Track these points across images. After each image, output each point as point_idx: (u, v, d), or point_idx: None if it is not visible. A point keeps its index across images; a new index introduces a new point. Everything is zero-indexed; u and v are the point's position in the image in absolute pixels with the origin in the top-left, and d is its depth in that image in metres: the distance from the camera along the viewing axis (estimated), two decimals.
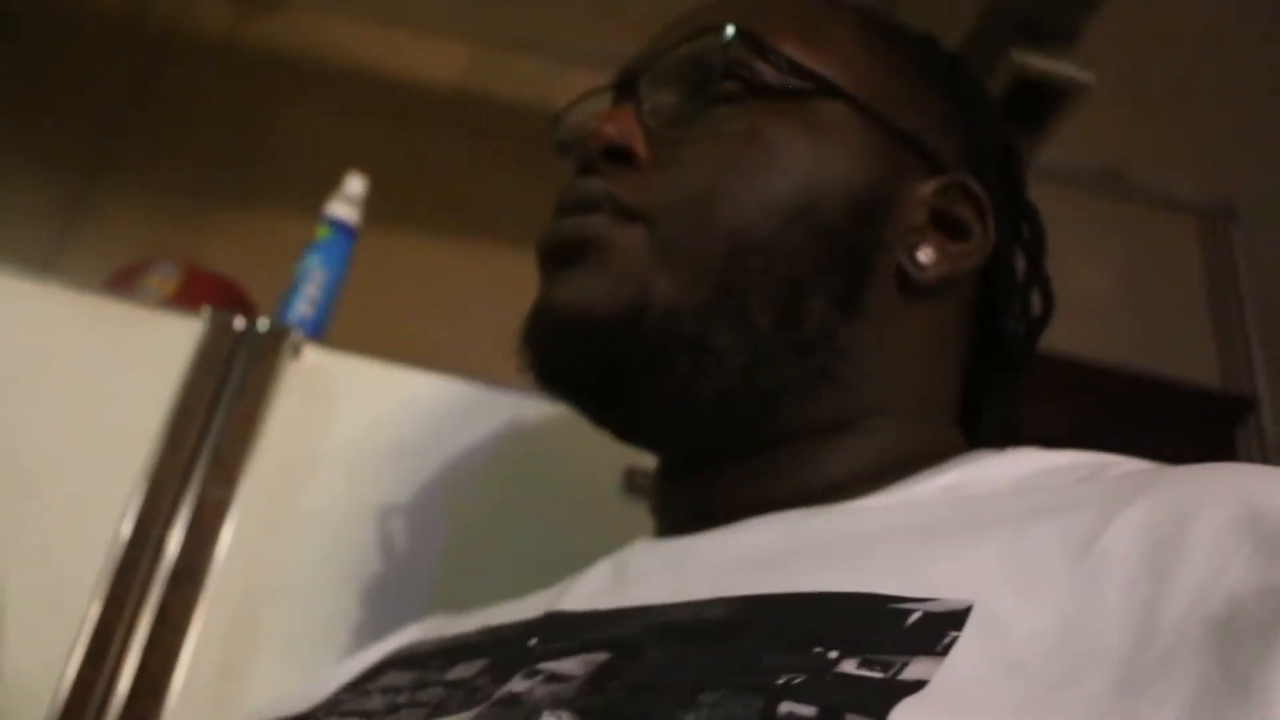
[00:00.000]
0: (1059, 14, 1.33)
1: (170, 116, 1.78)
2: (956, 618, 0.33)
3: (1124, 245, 1.93)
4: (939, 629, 0.32)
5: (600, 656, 0.38)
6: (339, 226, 1.00)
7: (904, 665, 0.31)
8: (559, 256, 0.49)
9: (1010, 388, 0.56)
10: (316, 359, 0.84)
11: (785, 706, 0.30)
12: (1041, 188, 1.83)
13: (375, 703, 0.48)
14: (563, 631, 0.42)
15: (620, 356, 0.47)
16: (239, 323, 0.83)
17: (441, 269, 1.67)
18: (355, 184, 1.04)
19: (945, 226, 0.50)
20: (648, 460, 0.55)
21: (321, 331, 0.92)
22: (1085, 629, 0.31)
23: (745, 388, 0.47)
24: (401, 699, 0.46)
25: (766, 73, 0.48)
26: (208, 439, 0.79)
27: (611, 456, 0.69)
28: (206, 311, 0.83)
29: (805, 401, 0.48)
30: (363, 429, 0.82)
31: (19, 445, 0.77)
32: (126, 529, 0.74)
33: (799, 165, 0.48)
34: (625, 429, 0.53)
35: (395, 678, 0.50)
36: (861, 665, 0.32)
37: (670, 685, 0.34)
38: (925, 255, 0.48)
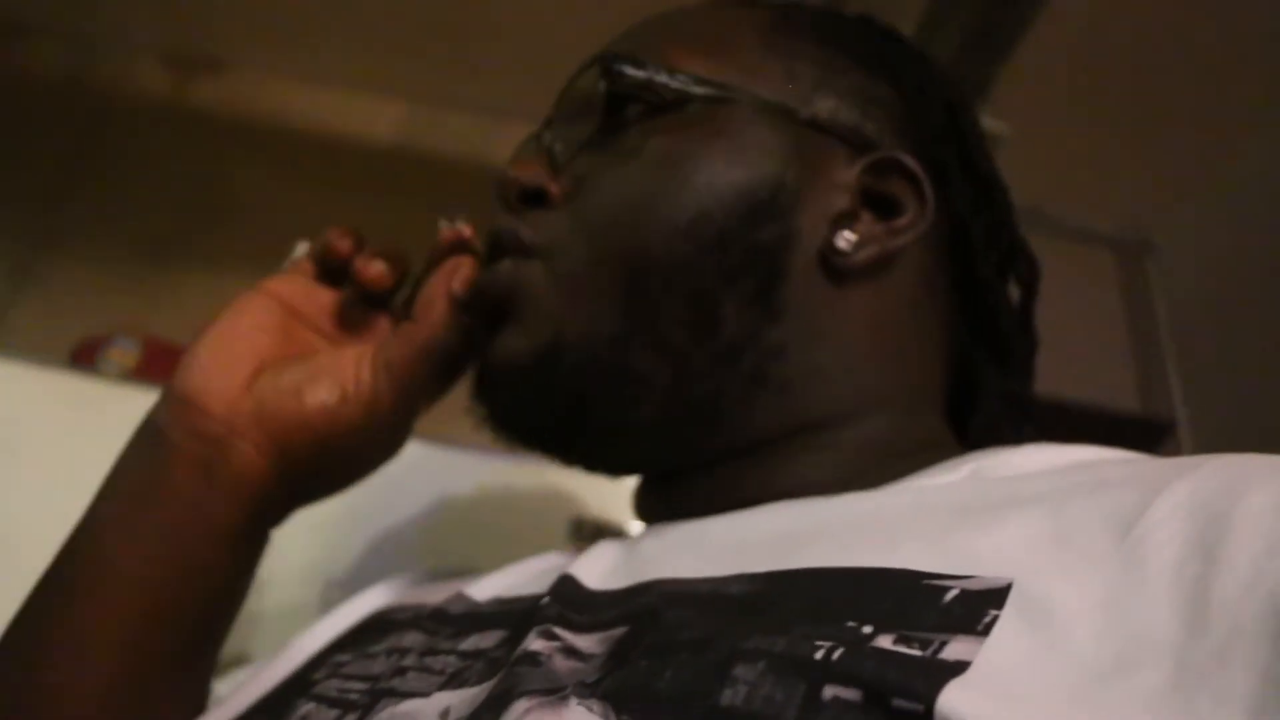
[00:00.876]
0: (968, 67, 1.40)
1: (114, 181, 1.78)
2: (996, 596, 0.31)
3: (1044, 279, 1.99)
4: (978, 607, 0.31)
5: (618, 631, 0.37)
6: None
7: (943, 644, 0.30)
8: (485, 314, 0.50)
9: (1007, 371, 0.54)
10: None
11: (829, 691, 0.29)
12: None
13: (380, 665, 0.46)
14: (578, 604, 0.41)
15: (552, 398, 0.48)
16: None
17: None
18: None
19: (879, 206, 0.48)
20: (593, 510, 0.58)
21: None
22: (1132, 612, 0.29)
23: (681, 405, 0.47)
24: (409, 661, 0.45)
25: (660, 90, 0.48)
26: None
27: (558, 507, 0.71)
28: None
29: (750, 408, 0.47)
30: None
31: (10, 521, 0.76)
32: None
33: (690, 177, 0.47)
34: (589, 464, 0.53)
35: (399, 639, 0.49)
36: (898, 641, 0.30)
37: (698, 651, 0.33)
38: (844, 241, 0.46)
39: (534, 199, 0.50)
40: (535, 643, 0.37)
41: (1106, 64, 1.75)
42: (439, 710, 0.38)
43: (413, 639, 0.48)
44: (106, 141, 1.83)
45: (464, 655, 0.43)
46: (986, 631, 0.30)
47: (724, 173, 0.47)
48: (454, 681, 0.40)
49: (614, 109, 0.49)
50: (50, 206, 1.76)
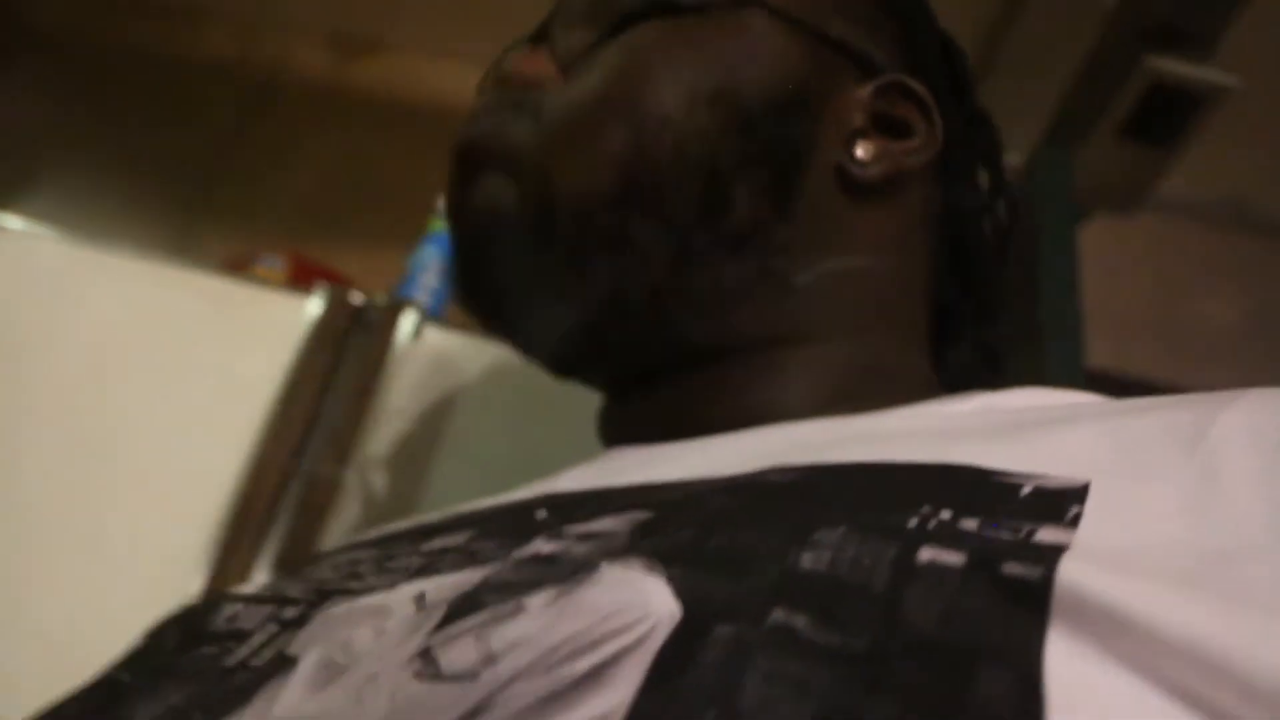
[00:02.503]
0: (1194, 18, 1.27)
1: (271, 159, 1.79)
2: (1076, 493, 0.28)
3: (1247, 277, 1.83)
4: (1058, 502, 0.27)
5: (641, 514, 0.31)
6: None
7: (1032, 531, 0.26)
8: (466, 163, 0.47)
9: (982, 311, 0.52)
10: (437, 339, 0.79)
11: (926, 552, 0.25)
12: (1161, 221, 1.75)
13: (328, 573, 0.40)
14: (576, 502, 0.36)
15: (540, 259, 0.44)
16: (356, 298, 0.78)
17: None
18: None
19: (887, 129, 0.47)
20: None
21: (440, 317, 0.88)
22: (1218, 519, 0.26)
23: (677, 287, 0.43)
24: (364, 568, 0.38)
25: None
26: (321, 416, 0.74)
27: None
28: (322, 288, 0.78)
29: (747, 304, 0.44)
30: (483, 412, 0.77)
31: (129, 421, 0.73)
32: (231, 507, 0.70)
33: (713, 55, 0.45)
34: (561, 351, 0.49)
35: (346, 556, 0.42)
36: (983, 527, 0.26)
37: (761, 526, 0.28)
38: (864, 151, 0.45)
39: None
40: (543, 545, 0.32)
41: None
42: (411, 596, 0.31)
43: (366, 554, 0.41)
44: (266, 120, 1.84)
45: (427, 554, 0.36)
46: (1074, 524, 0.26)
47: (747, 62, 0.45)
48: (423, 573, 0.34)
49: (628, 11, 0.46)
50: (210, 183, 1.77)
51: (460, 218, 0.48)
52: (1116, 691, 0.23)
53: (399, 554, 0.38)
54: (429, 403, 0.76)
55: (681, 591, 0.26)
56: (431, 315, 0.83)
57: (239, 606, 0.39)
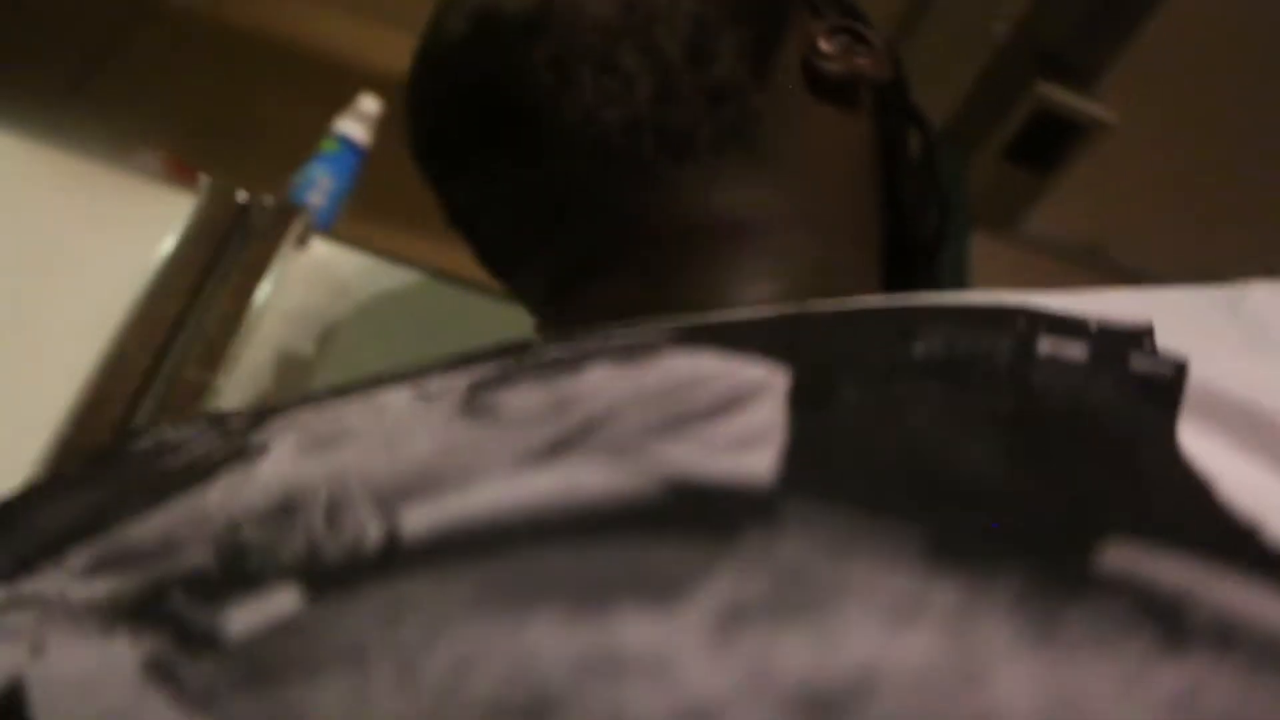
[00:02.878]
0: (1083, 49, 1.32)
1: (139, 80, 1.69)
2: (1143, 330, 0.27)
3: None
4: (1130, 337, 0.27)
5: (676, 324, 0.29)
6: (347, 142, 0.92)
7: (1125, 355, 0.26)
8: None
9: (922, 274, 0.54)
10: (325, 251, 0.74)
11: (1046, 343, 0.25)
12: (1024, 254, 1.80)
13: (260, 407, 0.35)
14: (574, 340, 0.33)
15: (520, 64, 0.43)
16: (242, 195, 0.73)
17: None
18: (368, 103, 0.97)
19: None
20: None
21: (329, 228, 0.83)
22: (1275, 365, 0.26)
23: (654, 122, 0.43)
24: (289, 404, 0.34)
25: None
26: (191, 316, 0.68)
27: None
28: (205, 181, 0.73)
29: (716, 162, 0.43)
30: (367, 330, 0.73)
31: None
32: (82, 403, 0.64)
33: None
34: (499, 193, 0.46)
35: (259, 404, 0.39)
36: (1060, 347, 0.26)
37: (853, 325, 0.27)
38: (828, 44, 0.47)
39: None
40: (557, 351, 0.29)
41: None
42: (407, 396, 0.29)
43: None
44: (133, 47, 1.74)
45: (400, 377, 0.33)
46: (1155, 353, 0.26)
47: None
48: (406, 382, 0.32)
49: None
50: (72, 97, 1.65)
51: (441, 27, 0.46)
52: (1252, 481, 0.22)
53: (349, 391, 0.34)
54: (310, 314, 0.71)
55: (784, 362, 0.24)
56: (321, 225, 0.78)
57: (162, 433, 0.34)
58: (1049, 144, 1.36)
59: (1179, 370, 0.24)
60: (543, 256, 0.47)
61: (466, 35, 0.45)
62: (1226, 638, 0.21)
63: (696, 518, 0.22)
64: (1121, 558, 0.22)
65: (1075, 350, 0.25)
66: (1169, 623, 0.21)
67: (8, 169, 0.72)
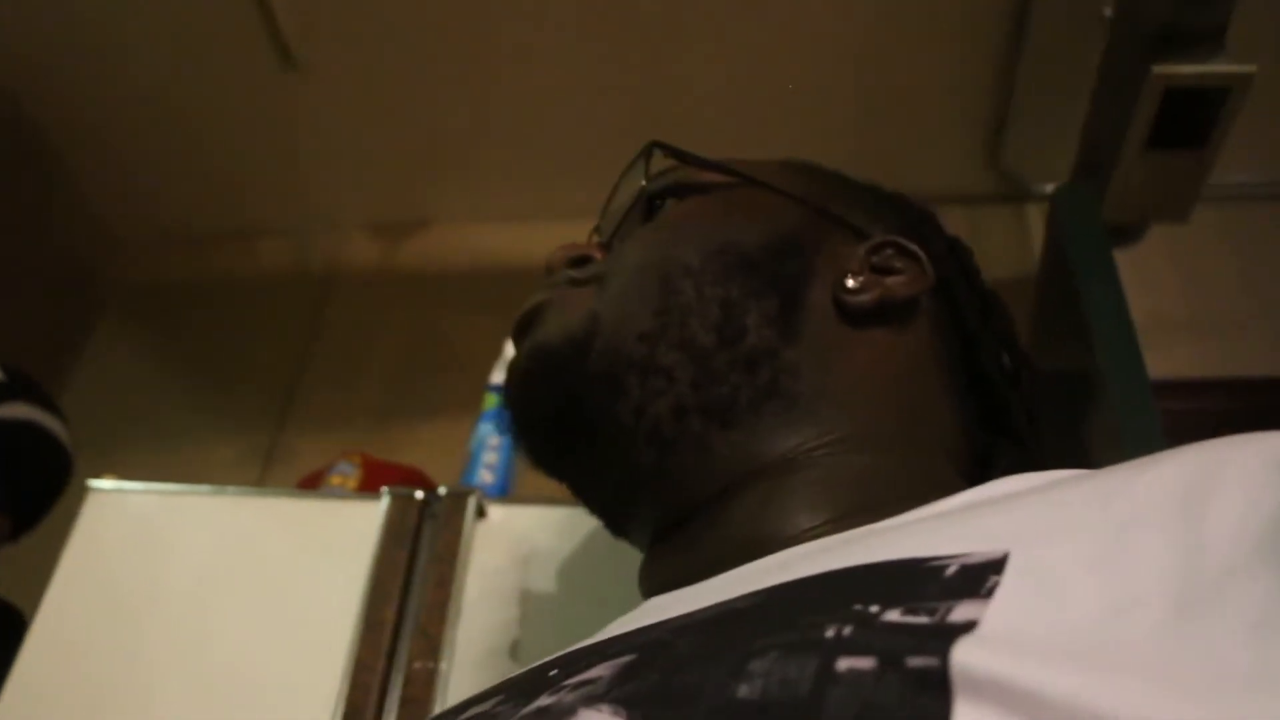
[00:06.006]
0: (1194, 15, 1.25)
1: (343, 346, 1.86)
2: (995, 565, 0.32)
3: None
4: (979, 576, 0.31)
5: (627, 658, 0.36)
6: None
7: (949, 609, 0.30)
8: (522, 327, 0.55)
9: (1016, 438, 0.56)
10: (503, 515, 0.81)
11: (843, 662, 0.29)
12: (1224, 212, 1.69)
13: None
14: (583, 656, 0.40)
15: (576, 382, 0.51)
16: (419, 494, 0.81)
17: None
18: (512, 349, 1.04)
19: (879, 271, 0.52)
20: None
21: (508, 491, 0.90)
22: (1128, 563, 0.30)
23: (698, 403, 0.49)
24: None
25: (692, 174, 0.56)
26: (408, 611, 0.76)
27: None
28: (386, 491, 0.82)
29: (758, 419, 0.49)
30: (559, 576, 0.78)
31: (233, 647, 0.77)
32: (339, 713, 0.72)
33: (719, 220, 0.54)
34: (596, 484, 0.55)
35: None
36: (906, 613, 0.30)
37: (710, 663, 0.32)
38: (855, 281, 0.51)
39: (577, 265, 0.56)
40: (546, 700, 0.36)
41: None
42: None
43: None
44: (331, 311, 1.92)
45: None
46: (990, 594, 0.30)
47: (748, 223, 0.53)
48: None
49: (650, 192, 0.57)
50: (292, 390, 1.84)
51: (515, 363, 0.55)
52: None
53: None
54: (506, 578, 0.78)
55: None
56: (496, 492, 0.85)
57: None
58: (1193, 119, 1.29)
59: (943, 663, 0.27)
60: (636, 523, 0.55)
61: (530, 370, 0.54)
62: None
63: None
64: None
65: (866, 663, 0.29)
66: None
67: (225, 524, 0.83)
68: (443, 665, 0.74)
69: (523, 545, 0.80)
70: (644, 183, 0.57)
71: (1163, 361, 1.29)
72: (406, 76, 1.79)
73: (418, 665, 0.74)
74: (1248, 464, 0.32)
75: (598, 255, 0.56)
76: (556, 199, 1.95)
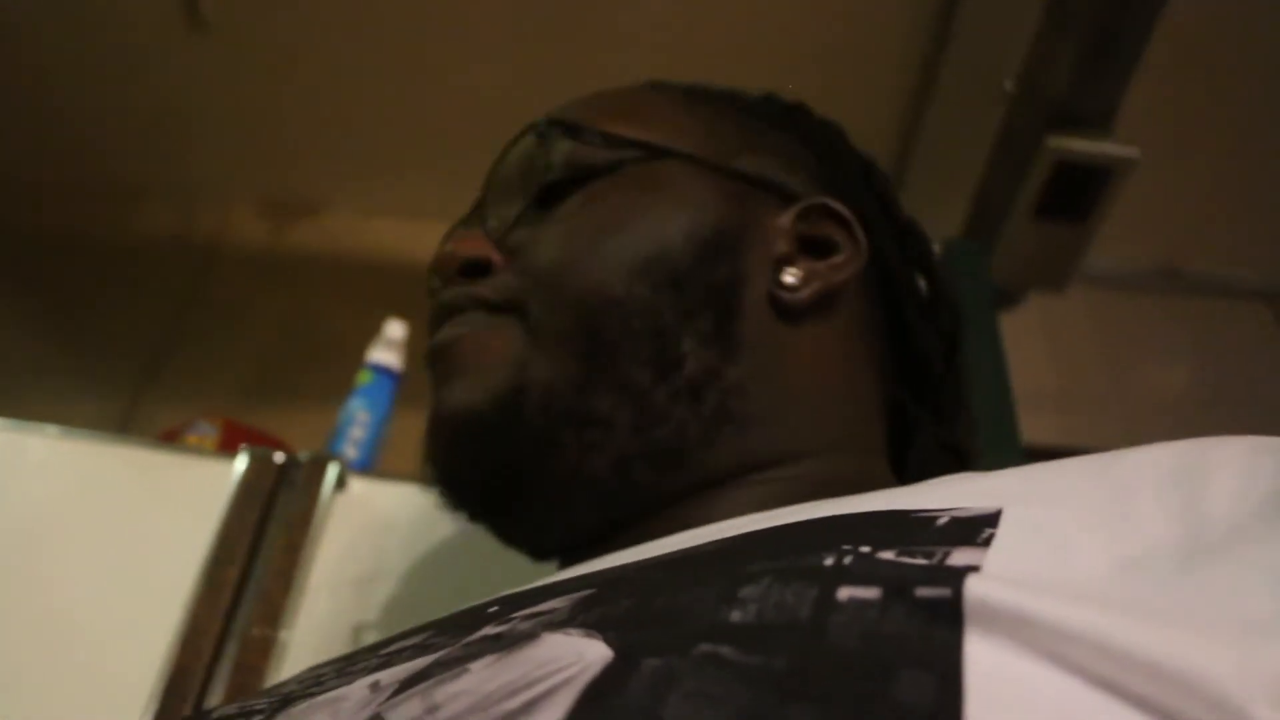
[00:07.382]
0: (1089, 95, 1.31)
1: (219, 322, 1.80)
2: (989, 518, 0.30)
3: (1191, 338, 1.86)
4: (973, 528, 0.30)
5: (585, 592, 0.33)
6: (380, 370, 0.98)
7: (946, 554, 0.29)
8: (443, 365, 0.49)
9: (940, 420, 0.54)
10: (363, 489, 0.79)
11: (845, 591, 0.27)
12: (1100, 293, 1.77)
13: (291, 686, 0.40)
14: (526, 595, 0.37)
15: (508, 448, 0.46)
16: (279, 457, 0.78)
17: None
18: (395, 329, 1.02)
19: (814, 249, 0.50)
20: None
21: (371, 467, 0.88)
22: (1128, 527, 0.29)
23: (641, 449, 0.45)
24: (325, 676, 0.38)
25: (591, 153, 0.50)
26: (252, 575, 0.73)
27: None
28: (244, 449, 0.78)
29: (711, 447, 0.46)
30: (415, 558, 0.76)
31: (63, 594, 0.72)
32: (166, 672, 0.68)
33: (637, 221, 0.48)
34: (529, 534, 0.51)
35: (312, 672, 0.42)
36: (901, 554, 0.29)
37: (696, 588, 0.30)
38: (792, 276, 0.48)
39: (474, 271, 0.50)
40: (491, 629, 0.33)
41: (1231, 103, 1.64)
42: (366, 685, 0.33)
43: (329, 667, 0.41)
44: (209, 291, 1.86)
45: (386, 655, 0.37)
46: (987, 544, 0.29)
47: (668, 219, 0.48)
48: (380, 669, 0.35)
49: (549, 182, 0.50)
50: (157, 358, 1.77)
51: (438, 416, 0.49)
52: (1033, 677, 0.25)
53: (359, 660, 0.39)
54: (359, 552, 0.75)
55: (616, 643, 0.28)
56: (360, 467, 0.83)
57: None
58: (1078, 193, 1.35)
59: (956, 592, 0.26)
60: (567, 552, 0.51)
61: (455, 438, 0.48)
62: None
63: None
64: None
65: (870, 593, 0.27)
66: None
67: (73, 467, 0.79)
68: (282, 634, 0.71)
69: (381, 522, 0.77)
70: (544, 165, 0.51)
71: (1030, 427, 1.34)
72: (318, 55, 1.75)
73: (256, 632, 0.71)
74: (1236, 450, 0.32)
75: (495, 258, 0.50)
76: (457, 200, 1.93)
